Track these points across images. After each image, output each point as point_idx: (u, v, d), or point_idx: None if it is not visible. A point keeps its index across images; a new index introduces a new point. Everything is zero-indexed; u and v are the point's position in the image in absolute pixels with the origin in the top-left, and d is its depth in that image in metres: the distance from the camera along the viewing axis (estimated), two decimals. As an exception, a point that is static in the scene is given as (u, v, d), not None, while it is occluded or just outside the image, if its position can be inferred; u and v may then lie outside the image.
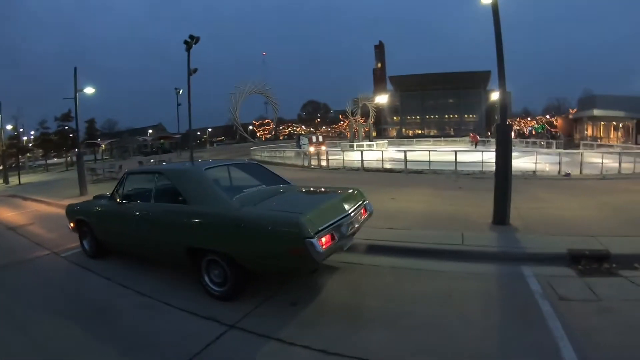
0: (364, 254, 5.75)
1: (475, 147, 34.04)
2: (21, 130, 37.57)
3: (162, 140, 63.25)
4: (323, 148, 29.74)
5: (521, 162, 17.77)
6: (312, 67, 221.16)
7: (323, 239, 3.92)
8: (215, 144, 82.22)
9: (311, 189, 5.85)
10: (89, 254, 6.29)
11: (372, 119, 55.08)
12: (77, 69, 14.54)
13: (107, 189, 15.16)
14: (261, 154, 30.83)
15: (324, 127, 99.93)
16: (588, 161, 16.26)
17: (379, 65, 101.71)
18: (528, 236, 5.81)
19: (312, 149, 27.83)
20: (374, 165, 19.15)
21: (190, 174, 5.11)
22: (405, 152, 17.51)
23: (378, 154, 21.60)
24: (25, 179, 27.23)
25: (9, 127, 33.03)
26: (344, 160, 20.64)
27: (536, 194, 9.93)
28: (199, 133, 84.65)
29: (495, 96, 51.90)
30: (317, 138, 39.88)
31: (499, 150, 6.63)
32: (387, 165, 18.72)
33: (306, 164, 22.36)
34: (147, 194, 5.32)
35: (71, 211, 6.68)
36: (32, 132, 45.02)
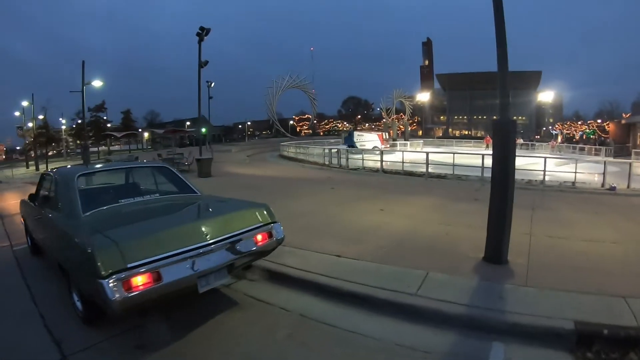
0: (282, 287, 4.34)
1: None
2: (61, 119, 39.27)
3: (203, 131, 63.90)
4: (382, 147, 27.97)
5: (562, 170, 15.20)
6: (356, 62, 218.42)
7: (135, 280, 2.82)
8: (256, 137, 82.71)
9: (199, 204, 4.40)
10: (30, 250, 6.05)
11: (408, 117, 52.37)
12: (84, 63, 14.34)
13: None
14: (288, 150, 29.86)
15: (365, 125, 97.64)
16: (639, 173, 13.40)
17: (427, 62, 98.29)
18: (523, 288, 3.89)
19: (382, 146, 26.24)
20: (397, 167, 17.24)
21: (60, 179, 4.41)
22: (427, 154, 15.46)
23: (411, 155, 19.65)
24: (54, 164, 27.80)
25: (40, 117, 34.31)
26: (363, 160, 19.00)
27: (564, 214, 7.76)
28: (240, 126, 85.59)
29: (545, 96, 47.55)
30: (387, 134, 37.74)
31: (496, 155, 4.73)
32: (409, 168, 16.70)
33: (327, 162, 20.97)
34: (45, 197, 4.83)
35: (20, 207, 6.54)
36: (63, 120, 46.93)
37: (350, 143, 34.13)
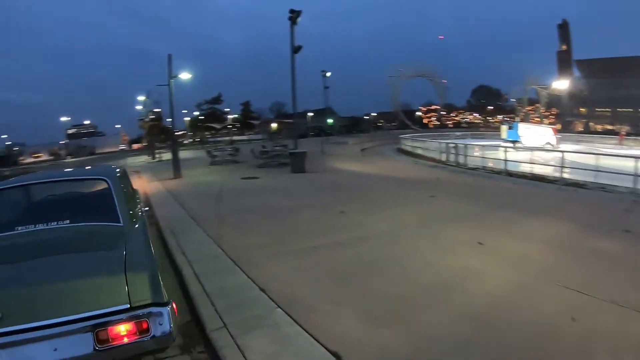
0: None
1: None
2: (185, 111, 43.63)
3: (330, 121, 65.14)
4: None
5: None
6: (486, 50, 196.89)
7: None
8: (381, 128, 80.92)
9: (63, 257, 2.77)
10: None
11: (545, 109, 44.11)
12: (171, 56, 14.65)
13: (214, 172, 14.93)
14: (406, 143, 27.51)
15: (498, 117, 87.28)
16: None
17: (564, 47, 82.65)
18: None
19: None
20: (526, 168, 13.78)
21: None
22: (562, 153, 11.99)
23: (543, 153, 15.91)
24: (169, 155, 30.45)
25: (157, 110, 38.53)
26: (483, 157, 16.05)
27: None
28: (367, 117, 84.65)
29: None
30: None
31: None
32: (540, 170, 13.27)
33: (443, 158, 18.50)
34: None
35: None
36: (185, 111, 51.85)
37: (514, 138, 29.53)
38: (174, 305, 2.52)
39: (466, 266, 4.44)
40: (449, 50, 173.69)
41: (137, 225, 3.31)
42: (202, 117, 48.30)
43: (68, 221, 3.13)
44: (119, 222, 3.15)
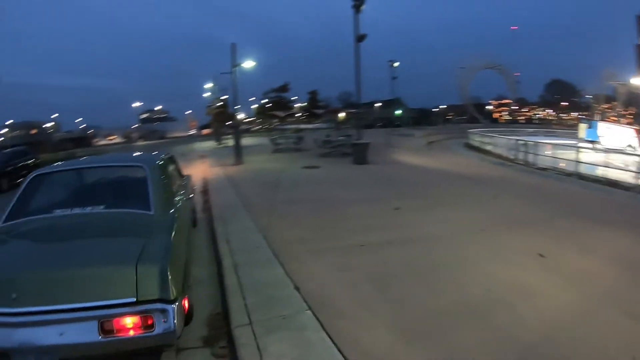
0: None
1: None
2: (253, 98, 44.88)
3: (399, 112, 63.75)
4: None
5: None
6: (561, 42, 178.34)
7: None
8: (450, 122, 77.40)
9: (85, 241, 2.88)
10: None
11: (624, 107, 38.71)
12: (234, 45, 15.01)
13: (276, 160, 15.20)
14: (473, 138, 25.95)
15: (572, 114, 78.99)
16: None
17: None
18: None
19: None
20: (600, 171, 12.13)
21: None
22: None
23: (627, 157, 13.94)
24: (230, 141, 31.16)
25: (224, 97, 39.75)
26: (554, 158, 14.51)
27: None
28: (436, 110, 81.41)
29: None
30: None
31: None
32: (615, 175, 11.52)
33: (512, 156, 17.17)
34: None
35: None
36: (252, 99, 53.00)
37: (593, 138, 26.90)
38: (186, 303, 2.44)
39: (521, 282, 3.92)
40: (522, 42, 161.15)
41: (169, 215, 3.29)
42: (269, 105, 49.45)
43: (103, 206, 3.21)
44: (150, 211, 3.15)
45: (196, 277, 4.38)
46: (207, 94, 42.33)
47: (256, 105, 57.07)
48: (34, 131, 58.70)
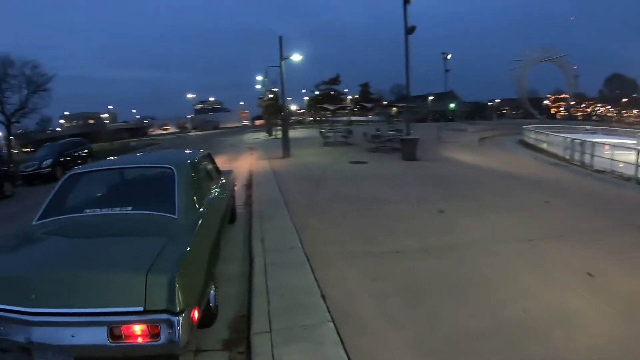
0: None
1: None
2: (304, 91, 45.15)
3: (452, 106, 61.51)
4: None
5: None
6: (621, 34, 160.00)
7: None
8: (504, 116, 73.39)
9: (103, 244, 2.96)
10: None
11: None
12: (282, 38, 15.02)
13: (324, 154, 15.23)
14: (528, 135, 24.28)
15: (634, 111, 71.14)
16: None
17: None
18: None
19: None
20: None
21: None
22: None
23: None
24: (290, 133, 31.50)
25: (274, 89, 40.36)
26: (612, 159, 13.16)
27: None
28: (490, 104, 77.56)
29: None
30: None
31: None
32: None
33: (567, 156, 15.95)
34: None
35: None
36: (304, 91, 53.10)
37: None
38: (195, 314, 2.43)
39: (564, 304, 3.53)
40: (581, 34, 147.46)
41: (194, 219, 3.31)
42: (320, 97, 49.56)
43: (130, 208, 3.29)
44: (174, 214, 3.18)
45: (228, 275, 4.46)
46: (258, 86, 43.27)
47: (308, 98, 57.55)
48: (91, 121, 62.88)
